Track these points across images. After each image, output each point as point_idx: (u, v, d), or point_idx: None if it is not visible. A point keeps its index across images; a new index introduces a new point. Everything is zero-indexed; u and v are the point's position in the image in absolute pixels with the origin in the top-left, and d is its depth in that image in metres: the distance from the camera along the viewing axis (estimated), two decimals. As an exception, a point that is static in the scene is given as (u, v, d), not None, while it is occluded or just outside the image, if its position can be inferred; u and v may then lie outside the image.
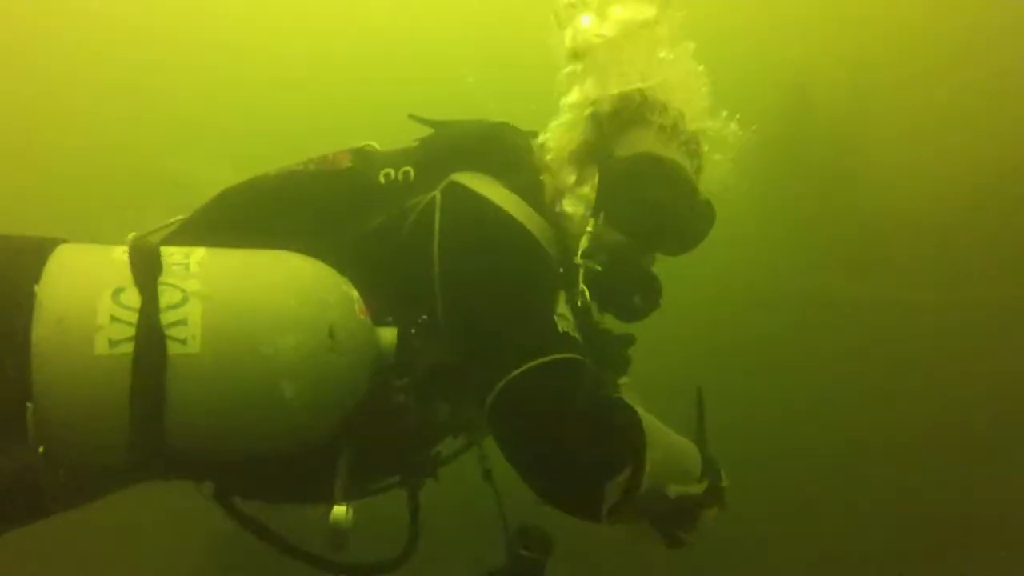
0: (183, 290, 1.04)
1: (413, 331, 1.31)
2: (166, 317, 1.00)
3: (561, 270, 1.40)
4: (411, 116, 1.57)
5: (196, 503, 1.32)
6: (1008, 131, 3.45)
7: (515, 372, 1.15)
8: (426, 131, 1.55)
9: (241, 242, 1.27)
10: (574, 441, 1.18)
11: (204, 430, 1.03)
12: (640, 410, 1.24)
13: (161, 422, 0.98)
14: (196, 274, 1.07)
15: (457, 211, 1.30)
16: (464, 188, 1.32)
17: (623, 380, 1.57)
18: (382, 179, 1.42)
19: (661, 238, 1.50)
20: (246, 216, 1.43)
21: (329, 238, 1.34)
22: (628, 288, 1.46)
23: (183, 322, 1.00)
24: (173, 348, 0.99)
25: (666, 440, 1.29)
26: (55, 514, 1.08)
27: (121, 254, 1.08)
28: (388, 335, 1.29)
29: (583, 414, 1.18)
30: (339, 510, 1.19)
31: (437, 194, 1.33)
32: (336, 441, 1.26)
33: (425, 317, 1.31)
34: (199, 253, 1.16)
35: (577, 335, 1.26)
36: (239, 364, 1.02)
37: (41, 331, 0.93)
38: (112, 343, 0.96)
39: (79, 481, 1.07)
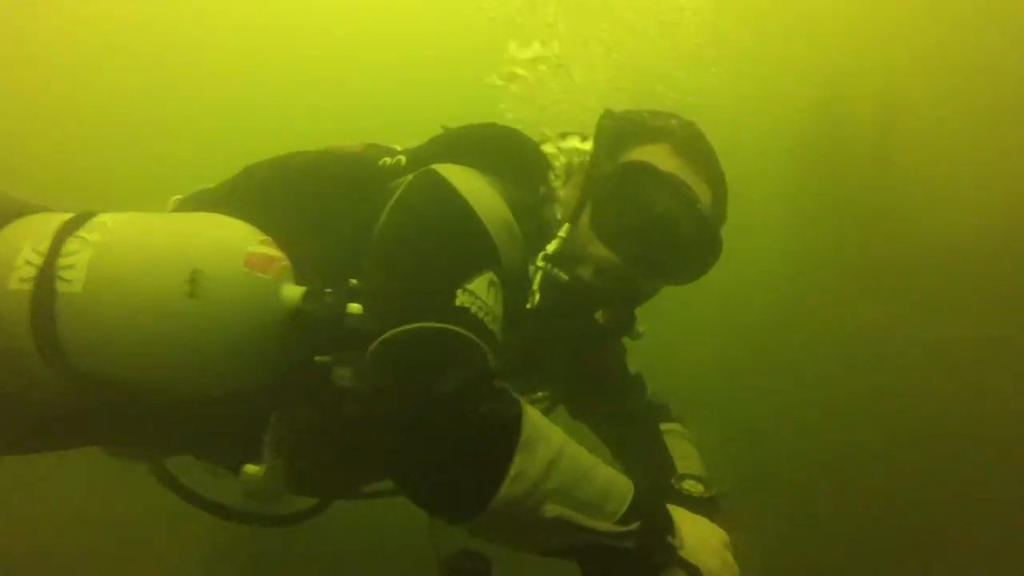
0: (85, 239, 1.22)
1: (328, 290, 1.28)
2: (63, 261, 1.19)
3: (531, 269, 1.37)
4: (443, 127, 1.58)
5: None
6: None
7: (397, 329, 1.09)
8: None
9: (252, 216, 1.37)
10: (433, 418, 1.04)
11: (96, 359, 1.19)
12: (530, 410, 1.09)
13: (59, 348, 1.17)
14: (109, 228, 1.25)
15: (416, 188, 1.32)
16: (435, 172, 1.34)
17: (540, 395, 1.53)
18: (381, 164, 1.49)
19: (649, 258, 1.39)
20: (263, 192, 1.53)
21: (336, 218, 1.41)
22: (590, 304, 1.39)
23: (73, 266, 1.18)
24: (60, 287, 1.17)
25: (558, 453, 1.08)
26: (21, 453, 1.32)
27: (66, 217, 1.29)
28: (292, 293, 1.28)
29: (453, 391, 1.04)
30: (250, 467, 1.29)
31: (410, 176, 1.36)
32: (260, 407, 1.34)
33: (354, 282, 1.29)
34: (132, 214, 1.32)
35: (487, 321, 1.16)
36: (107, 301, 1.18)
37: None
38: (21, 280, 1.18)
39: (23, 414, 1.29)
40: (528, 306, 1.32)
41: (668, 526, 1.16)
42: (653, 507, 1.18)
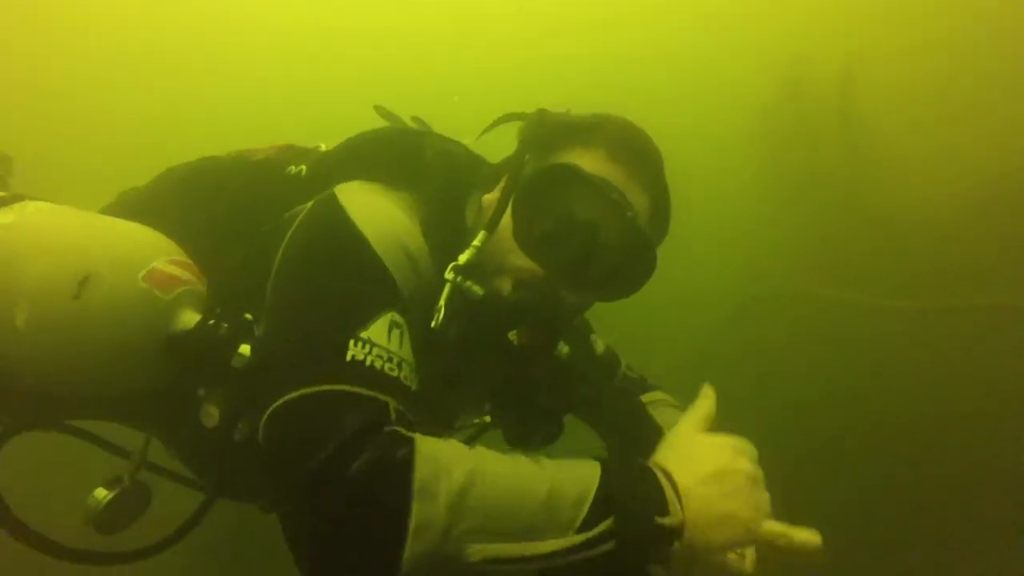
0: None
1: (212, 322, 1.24)
2: None
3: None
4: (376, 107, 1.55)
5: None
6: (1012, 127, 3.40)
7: (280, 400, 0.99)
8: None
9: (168, 225, 1.35)
10: (313, 492, 0.92)
11: None
12: (426, 446, 0.95)
13: None
14: (26, 213, 1.26)
15: (312, 224, 1.24)
16: (334, 200, 1.24)
17: (484, 419, 1.42)
18: (286, 173, 1.44)
19: (573, 269, 1.25)
20: (177, 200, 1.49)
21: (238, 238, 1.36)
22: (507, 321, 1.25)
23: None
24: None
25: (467, 483, 0.93)
26: None
27: None
28: (187, 319, 1.25)
29: (331, 455, 0.92)
30: (100, 491, 1.29)
31: (312, 203, 1.28)
32: (134, 415, 1.35)
33: (249, 316, 1.25)
34: (57, 206, 1.31)
35: (387, 369, 1.06)
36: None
37: None
38: None
39: None
40: (433, 325, 1.20)
41: (658, 505, 0.98)
42: (631, 486, 0.99)
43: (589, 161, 1.26)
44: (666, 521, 0.96)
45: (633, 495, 0.98)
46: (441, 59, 3.80)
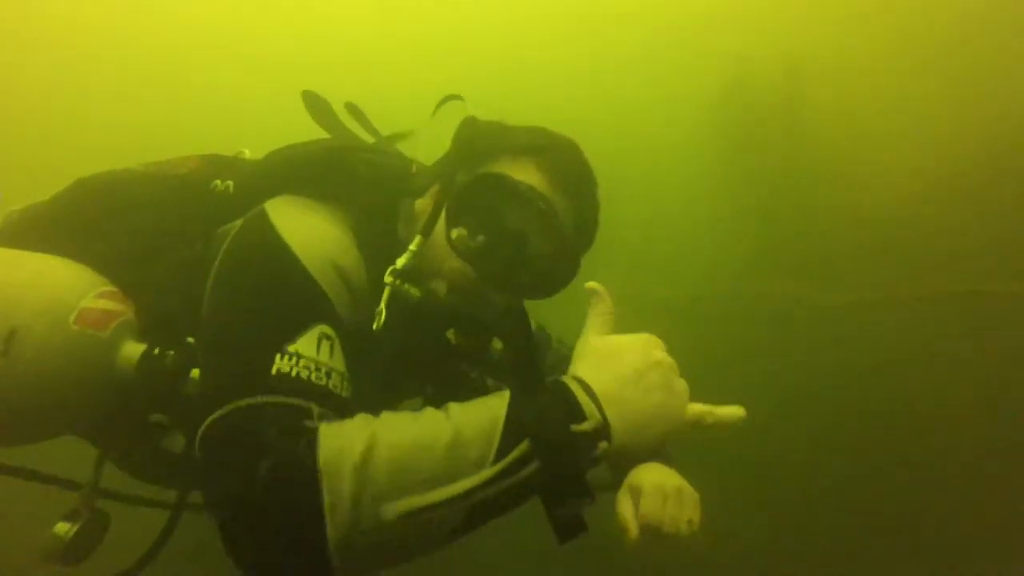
0: None
1: (157, 351, 1.26)
2: None
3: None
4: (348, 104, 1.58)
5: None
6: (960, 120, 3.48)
7: (211, 418, 1.01)
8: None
9: (80, 244, 1.36)
10: (244, 500, 0.93)
11: None
12: (327, 426, 0.98)
13: None
14: None
15: (242, 240, 1.26)
16: (264, 218, 1.26)
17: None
18: (212, 188, 1.43)
19: (503, 273, 1.32)
20: (89, 217, 1.47)
21: (162, 258, 1.37)
22: (443, 321, 1.31)
23: None
24: None
25: (367, 450, 0.93)
26: None
27: None
28: (130, 352, 1.27)
29: (252, 466, 0.93)
30: (61, 525, 1.31)
31: (242, 221, 1.30)
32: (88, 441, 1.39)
33: (190, 340, 1.28)
34: None
35: (315, 378, 1.08)
36: None
37: None
38: None
39: None
40: (374, 327, 1.24)
41: (573, 414, 0.99)
42: (539, 408, 1.00)
43: (518, 170, 1.33)
44: (584, 427, 0.98)
45: (543, 412, 0.99)
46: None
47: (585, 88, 3.72)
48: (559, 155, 1.38)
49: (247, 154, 1.55)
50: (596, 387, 1.03)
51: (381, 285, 1.27)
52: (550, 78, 3.75)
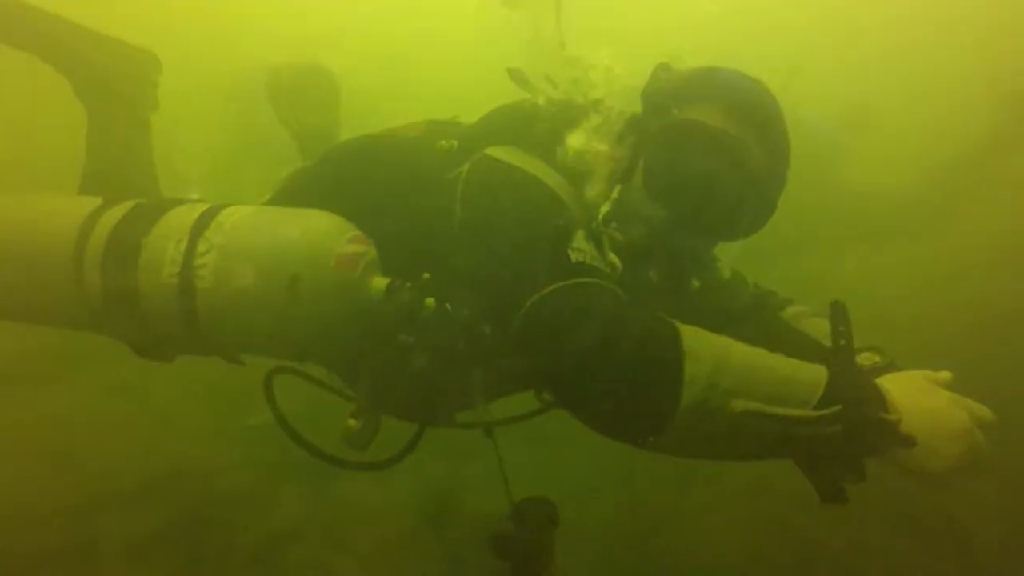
0: (211, 242, 1.45)
1: (409, 285, 1.44)
2: (197, 261, 1.44)
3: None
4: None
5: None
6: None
7: (536, 296, 1.20)
8: None
9: (335, 202, 1.56)
10: (601, 355, 1.14)
11: (222, 334, 1.48)
12: (684, 326, 1.15)
13: (196, 319, 1.44)
14: (226, 230, 1.48)
15: (480, 172, 1.43)
16: (490, 157, 1.44)
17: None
18: (438, 147, 1.60)
19: (701, 213, 1.41)
20: (340, 177, 1.73)
21: (400, 206, 1.56)
22: (645, 262, 1.42)
23: (205, 265, 1.43)
24: (198, 283, 1.43)
25: (724, 352, 1.13)
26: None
27: (195, 214, 1.52)
28: (377, 286, 1.46)
29: (609, 330, 1.15)
30: (351, 421, 1.53)
31: (467, 166, 1.46)
32: (353, 369, 1.62)
33: (427, 275, 1.43)
34: (242, 212, 1.53)
35: (602, 266, 1.30)
36: (231, 297, 1.42)
37: (141, 263, 1.49)
38: (169, 276, 1.45)
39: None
40: (609, 271, 1.35)
41: (878, 402, 1.12)
42: (856, 386, 1.13)
43: (708, 115, 1.41)
44: (892, 417, 1.10)
45: (858, 392, 1.13)
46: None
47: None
48: (747, 97, 1.45)
49: (461, 119, 1.76)
50: (894, 400, 1.14)
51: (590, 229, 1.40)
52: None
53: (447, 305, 1.41)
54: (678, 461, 1.18)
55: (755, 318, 1.69)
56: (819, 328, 1.59)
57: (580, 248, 1.28)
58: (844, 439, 1.09)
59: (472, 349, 1.43)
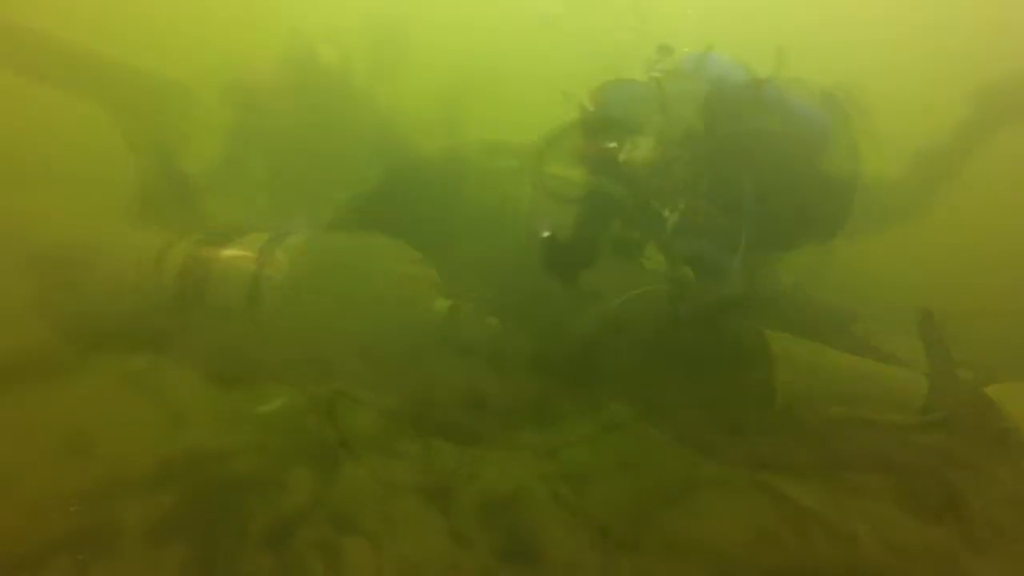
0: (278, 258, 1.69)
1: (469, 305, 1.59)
2: (268, 268, 1.67)
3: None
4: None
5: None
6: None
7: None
8: None
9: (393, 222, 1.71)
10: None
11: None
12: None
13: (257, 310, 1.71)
14: (296, 249, 1.72)
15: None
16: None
17: None
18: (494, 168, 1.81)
19: (778, 219, 1.44)
20: (405, 200, 1.86)
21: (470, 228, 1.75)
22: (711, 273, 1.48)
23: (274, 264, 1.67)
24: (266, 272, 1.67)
25: (819, 359, 1.16)
26: None
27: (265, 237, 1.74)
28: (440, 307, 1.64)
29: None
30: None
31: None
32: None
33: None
34: (308, 240, 1.73)
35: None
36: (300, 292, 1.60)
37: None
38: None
39: None
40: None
41: (990, 410, 1.18)
42: (958, 393, 1.19)
43: (772, 122, 1.51)
44: (1008, 424, 1.22)
45: (961, 400, 1.24)
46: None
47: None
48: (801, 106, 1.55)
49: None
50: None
51: None
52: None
53: None
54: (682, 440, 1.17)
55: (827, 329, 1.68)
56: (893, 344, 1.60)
57: (651, 257, 1.32)
58: (956, 446, 1.11)
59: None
